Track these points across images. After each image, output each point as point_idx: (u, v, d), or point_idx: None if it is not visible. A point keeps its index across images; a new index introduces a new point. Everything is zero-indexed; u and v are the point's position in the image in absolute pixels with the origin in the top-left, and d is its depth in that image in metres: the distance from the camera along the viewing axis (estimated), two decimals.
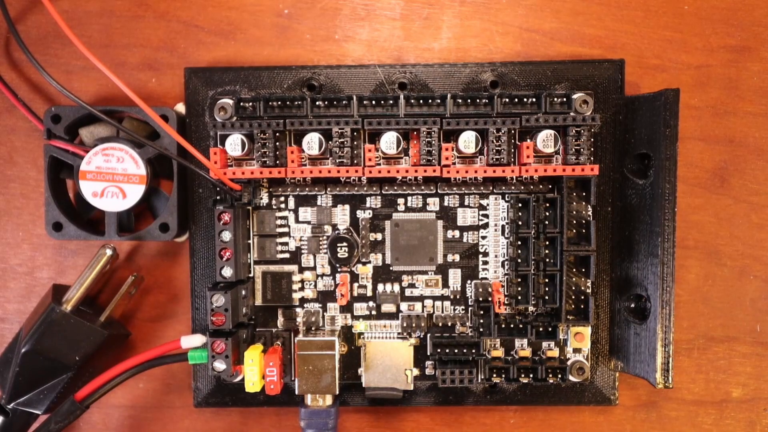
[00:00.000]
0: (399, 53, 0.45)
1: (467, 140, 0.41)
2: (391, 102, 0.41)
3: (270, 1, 0.44)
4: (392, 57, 0.45)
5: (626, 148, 0.42)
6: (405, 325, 0.43)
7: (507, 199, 0.43)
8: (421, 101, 0.41)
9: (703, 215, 0.45)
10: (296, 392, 0.42)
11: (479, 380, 0.43)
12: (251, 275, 0.44)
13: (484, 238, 0.43)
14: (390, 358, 0.43)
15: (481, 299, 0.43)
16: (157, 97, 0.45)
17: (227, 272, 0.40)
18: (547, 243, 0.41)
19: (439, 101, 0.41)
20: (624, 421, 0.46)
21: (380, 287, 0.44)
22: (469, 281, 0.44)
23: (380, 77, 0.43)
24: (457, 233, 0.43)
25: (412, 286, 0.44)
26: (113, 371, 0.40)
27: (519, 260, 0.41)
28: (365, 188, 0.43)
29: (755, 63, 0.44)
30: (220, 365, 0.40)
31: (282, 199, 0.43)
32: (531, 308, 0.42)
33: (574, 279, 0.41)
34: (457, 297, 0.44)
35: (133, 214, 0.45)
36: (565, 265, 0.40)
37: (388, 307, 0.44)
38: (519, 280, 0.42)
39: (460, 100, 0.41)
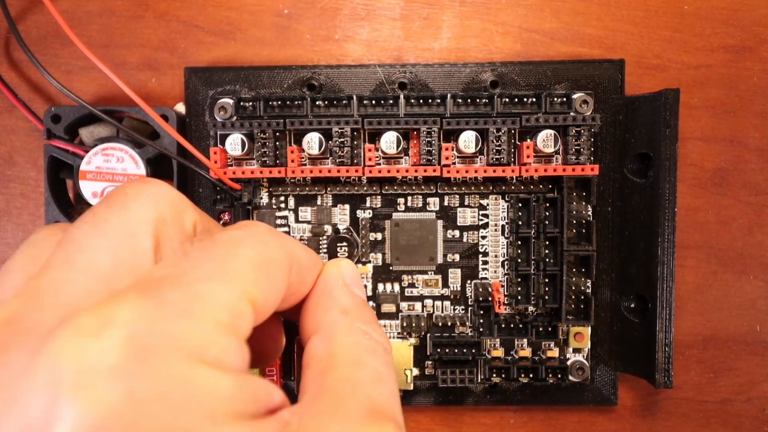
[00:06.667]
0: (399, 53, 0.45)
1: (467, 140, 0.41)
2: (391, 102, 0.41)
3: (270, 1, 0.44)
4: (392, 57, 0.45)
5: (626, 148, 0.42)
6: (405, 324, 0.43)
7: (507, 198, 0.43)
8: (421, 101, 0.41)
9: (703, 215, 0.45)
10: (296, 392, 0.42)
11: (479, 380, 0.43)
12: None
13: (484, 238, 0.43)
14: None
15: (481, 299, 0.43)
16: (157, 97, 0.45)
17: None
18: (547, 243, 0.41)
19: (439, 101, 0.41)
20: (624, 421, 0.46)
21: (380, 287, 0.44)
22: (469, 281, 0.44)
23: (380, 77, 0.43)
24: (457, 233, 0.43)
25: (412, 285, 0.44)
26: None
27: (519, 260, 0.41)
28: (365, 188, 0.43)
29: (755, 63, 0.44)
30: None
31: (282, 198, 0.43)
32: (531, 308, 0.42)
33: (574, 279, 0.41)
34: (457, 297, 0.44)
35: None
36: (565, 265, 0.40)
37: (387, 307, 0.44)
38: (519, 280, 0.42)
39: (460, 100, 0.41)
